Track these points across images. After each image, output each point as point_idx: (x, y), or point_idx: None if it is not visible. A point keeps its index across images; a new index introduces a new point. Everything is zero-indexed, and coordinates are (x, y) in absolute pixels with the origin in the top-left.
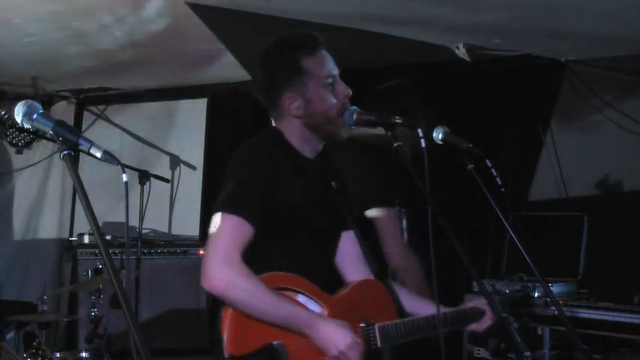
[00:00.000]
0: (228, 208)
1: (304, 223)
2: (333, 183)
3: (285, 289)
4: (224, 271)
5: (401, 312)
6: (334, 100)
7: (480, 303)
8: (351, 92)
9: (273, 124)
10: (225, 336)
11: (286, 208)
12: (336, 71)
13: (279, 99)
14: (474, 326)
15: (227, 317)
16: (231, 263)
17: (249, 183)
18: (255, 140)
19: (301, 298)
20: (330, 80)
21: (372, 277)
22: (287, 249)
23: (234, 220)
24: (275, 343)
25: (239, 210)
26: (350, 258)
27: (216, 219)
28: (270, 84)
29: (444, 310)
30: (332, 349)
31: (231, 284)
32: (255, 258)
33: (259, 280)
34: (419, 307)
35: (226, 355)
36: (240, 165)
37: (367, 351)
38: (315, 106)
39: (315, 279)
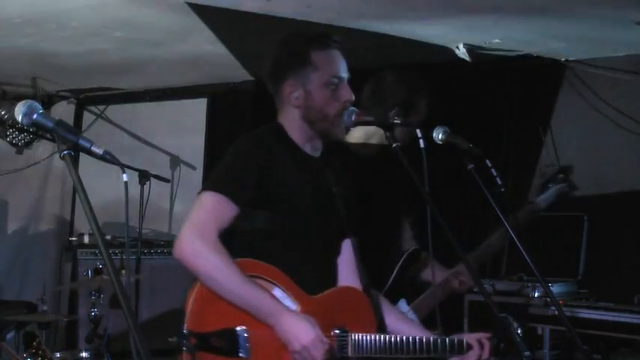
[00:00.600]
0: (211, 187)
1: (303, 220)
2: (334, 189)
3: (261, 278)
4: (195, 241)
5: (381, 327)
6: (335, 102)
7: (472, 338)
8: (353, 98)
9: (278, 119)
10: (187, 309)
11: (284, 202)
12: (344, 75)
13: (281, 85)
14: (456, 358)
15: (193, 291)
16: (204, 235)
17: (238, 167)
18: (255, 132)
19: (277, 292)
20: (335, 80)
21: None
22: (283, 245)
23: (215, 197)
24: (238, 328)
25: (222, 188)
26: (344, 265)
27: (198, 198)
28: (276, 69)
29: (429, 335)
30: (294, 342)
31: (200, 254)
32: (250, 250)
33: (231, 258)
34: (402, 328)
35: (185, 329)
36: (234, 152)
37: (336, 358)
38: (313, 101)
39: (309, 278)
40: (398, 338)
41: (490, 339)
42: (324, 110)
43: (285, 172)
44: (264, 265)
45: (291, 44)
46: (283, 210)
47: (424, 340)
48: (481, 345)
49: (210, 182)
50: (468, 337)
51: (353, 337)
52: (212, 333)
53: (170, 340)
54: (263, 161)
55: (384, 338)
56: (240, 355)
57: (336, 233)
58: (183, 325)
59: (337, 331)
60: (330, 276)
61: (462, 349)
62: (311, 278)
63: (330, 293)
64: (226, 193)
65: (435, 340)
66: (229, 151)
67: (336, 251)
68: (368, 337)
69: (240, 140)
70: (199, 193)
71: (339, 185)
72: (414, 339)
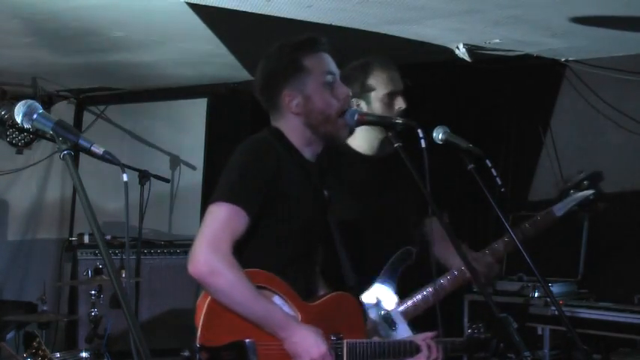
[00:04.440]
0: (224, 197)
1: (301, 226)
2: (325, 192)
3: (263, 287)
4: (210, 257)
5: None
6: (334, 100)
7: (418, 338)
8: (350, 92)
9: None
10: (199, 324)
11: (287, 209)
12: (336, 72)
13: (278, 96)
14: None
15: (203, 306)
16: (219, 250)
17: (249, 175)
18: (258, 137)
19: (277, 300)
20: (330, 79)
21: (339, 290)
22: (280, 251)
23: (229, 209)
24: (247, 341)
25: (235, 199)
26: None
27: (211, 208)
28: (270, 82)
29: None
30: (304, 355)
31: (215, 271)
32: (245, 253)
33: (243, 272)
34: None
35: (197, 344)
36: (242, 158)
37: None
38: (314, 104)
39: (300, 284)
40: (389, 342)
41: (435, 338)
42: (325, 112)
43: (290, 179)
44: (265, 274)
45: (280, 55)
46: (285, 216)
47: (400, 343)
48: (428, 346)
49: (222, 192)
50: (415, 338)
51: (348, 344)
52: (222, 347)
53: (183, 354)
54: (272, 168)
55: (376, 344)
56: None
57: (320, 238)
58: (194, 339)
59: (333, 338)
60: (314, 281)
61: (413, 351)
62: (302, 284)
63: (326, 300)
64: (240, 204)
65: (404, 343)
66: (236, 158)
67: (318, 256)
68: (360, 343)
69: (246, 146)
70: (211, 203)
71: (329, 190)
72: (392, 343)
